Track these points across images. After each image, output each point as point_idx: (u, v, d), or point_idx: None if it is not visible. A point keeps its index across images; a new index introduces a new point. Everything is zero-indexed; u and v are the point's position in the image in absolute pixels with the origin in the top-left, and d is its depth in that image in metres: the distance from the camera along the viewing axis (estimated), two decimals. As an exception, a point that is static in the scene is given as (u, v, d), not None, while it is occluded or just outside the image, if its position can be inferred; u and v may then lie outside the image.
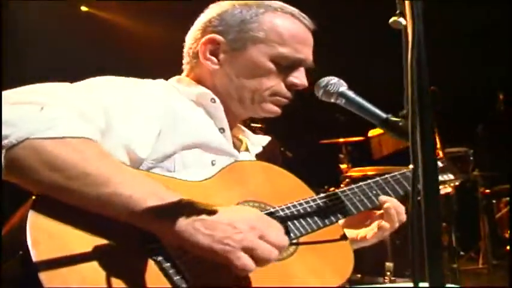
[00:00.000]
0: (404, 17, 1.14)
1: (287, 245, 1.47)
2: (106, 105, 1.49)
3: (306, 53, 1.83)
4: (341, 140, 5.65)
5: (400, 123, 1.54)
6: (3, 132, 1.27)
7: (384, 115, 1.60)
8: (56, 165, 1.29)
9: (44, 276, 1.20)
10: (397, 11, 1.19)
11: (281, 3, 1.85)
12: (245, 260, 1.35)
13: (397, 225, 1.88)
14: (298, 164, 5.20)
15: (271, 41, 1.77)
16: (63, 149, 1.30)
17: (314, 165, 6.08)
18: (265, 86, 1.79)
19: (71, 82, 1.56)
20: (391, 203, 1.87)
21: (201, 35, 1.83)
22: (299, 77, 1.82)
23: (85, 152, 1.33)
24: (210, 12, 1.85)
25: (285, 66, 1.80)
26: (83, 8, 6.46)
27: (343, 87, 1.70)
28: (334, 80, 1.71)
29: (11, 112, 1.30)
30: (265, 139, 2.00)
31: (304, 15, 1.85)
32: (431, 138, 1.06)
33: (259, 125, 4.77)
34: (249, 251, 1.37)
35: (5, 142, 1.26)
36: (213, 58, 1.80)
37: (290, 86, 1.82)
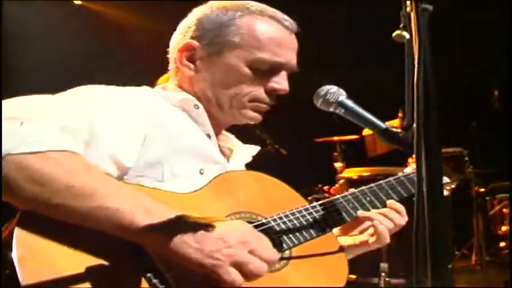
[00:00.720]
0: (408, 30, 1.11)
1: (277, 260, 1.46)
2: (90, 116, 1.47)
3: (287, 56, 1.76)
4: (335, 138, 5.63)
5: (400, 134, 1.52)
6: None
7: (383, 125, 1.58)
8: (39, 179, 1.27)
9: None
10: (401, 25, 1.17)
11: (262, 6, 1.79)
12: (234, 276, 1.35)
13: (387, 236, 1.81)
14: (292, 162, 5.21)
15: (247, 45, 1.72)
16: (46, 163, 1.29)
17: (308, 164, 6.08)
18: (243, 91, 1.74)
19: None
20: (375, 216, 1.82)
21: (180, 40, 1.79)
22: (279, 82, 1.76)
23: (68, 165, 1.32)
24: (191, 17, 1.81)
25: (264, 71, 1.74)
26: (76, 2, 6.38)
27: (343, 96, 1.66)
28: (333, 89, 1.67)
29: None
30: (254, 149, 1.96)
31: (286, 17, 1.79)
32: (437, 157, 1.03)
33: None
34: (239, 266, 1.36)
35: None
36: (190, 64, 1.76)
37: (270, 92, 1.77)
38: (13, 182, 1.27)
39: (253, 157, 1.96)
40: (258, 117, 1.80)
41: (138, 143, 1.55)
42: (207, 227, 1.36)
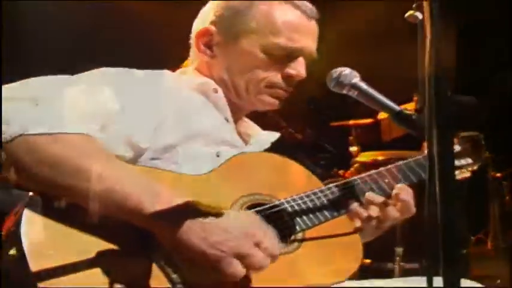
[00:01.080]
0: (421, 10, 1.10)
1: (278, 254, 1.42)
2: (106, 98, 1.48)
3: (304, 42, 1.76)
4: (351, 122, 5.59)
5: (413, 117, 1.51)
6: None
7: (397, 108, 1.57)
8: (49, 161, 1.29)
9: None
10: (414, 5, 1.16)
11: None
12: (236, 267, 1.33)
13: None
14: (308, 146, 5.18)
15: (263, 30, 1.73)
16: (56, 145, 1.31)
17: (324, 148, 6.04)
18: (259, 77, 1.75)
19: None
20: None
21: (199, 26, 1.80)
22: (296, 68, 1.76)
23: (79, 148, 1.33)
24: (211, 3, 1.83)
25: (280, 56, 1.74)
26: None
27: (356, 78, 1.65)
28: (346, 71, 1.66)
29: (6, 108, 1.30)
30: (274, 135, 1.93)
31: (306, 3, 1.78)
32: (449, 142, 1.02)
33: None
34: (242, 258, 1.34)
35: None
36: (207, 50, 1.78)
37: (287, 78, 1.77)
38: (24, 162, 1.29)
39: None
40: (275, 103, 1.80)
41: (154, 125, 1.55)
42: (215, 216, 1.35)
